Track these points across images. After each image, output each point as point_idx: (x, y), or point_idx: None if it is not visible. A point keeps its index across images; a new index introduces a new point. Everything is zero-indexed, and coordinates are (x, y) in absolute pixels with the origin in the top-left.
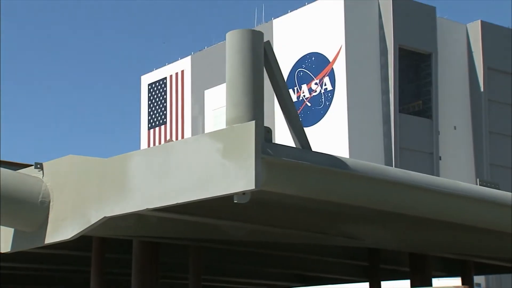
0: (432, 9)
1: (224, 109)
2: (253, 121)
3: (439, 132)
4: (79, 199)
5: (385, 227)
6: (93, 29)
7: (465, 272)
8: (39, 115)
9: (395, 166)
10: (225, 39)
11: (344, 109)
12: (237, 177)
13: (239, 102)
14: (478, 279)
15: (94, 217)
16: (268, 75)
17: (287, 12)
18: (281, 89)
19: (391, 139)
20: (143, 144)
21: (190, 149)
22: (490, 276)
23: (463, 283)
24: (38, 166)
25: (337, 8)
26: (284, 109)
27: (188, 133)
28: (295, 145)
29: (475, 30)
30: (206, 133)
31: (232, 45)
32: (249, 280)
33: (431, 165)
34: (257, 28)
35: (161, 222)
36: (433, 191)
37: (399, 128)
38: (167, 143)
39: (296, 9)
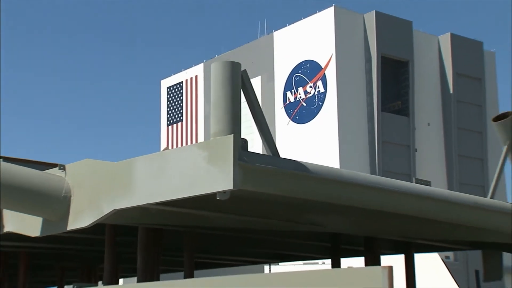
0: (409, 23)
1: None
2: (232, 135)
3: (415, 128)
4: (94, 194)
5: (342, 216)
6: (119, 38)
7: (407, 251)
8: (71, 113)
9: (377, 158)
10: (233, 48)
11: (335, 109)
12: (219, 179)
13: (221, 119)
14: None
15: (106, 209)
16: (245, 97)
17: (286, 26)
18: (255, 108)
19: (375, 134)
20: (163, 139)
21: (182, 156)
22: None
23: (406, 260)
24: (62, 167)
25: (328, 22)
26: (258, 124)
27: (201, 129)
28: (267, 153)
29: (445, 41)
30: (195, 144)
31: (215, 73)
32: (234, 258)
33: (408, 156)
34: (260, 39)
35: (160, 213)
36: (376, 188)
37: (381, 124)
38: (164, 151)
39: (294, 23)
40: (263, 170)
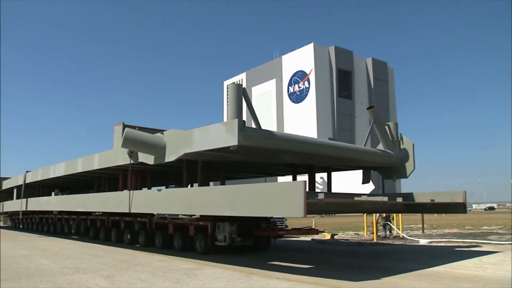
0: (351, 52)
1: (259, 96)
2: (237, 119)
3: (355, 106)
4: (176, 145)
5: (293, 155)
6: (206, 58)
7: (328, 171)
8: (174, 102)
9: (336, 124)
10: (262, 64)
11: (314, 96)
12: (231, 139)
13: (232, 111)
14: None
15: (181, 152)
16: (246, 102)
17: (288, 52)
18: (250, 107)
19: (335, 109)
20: (224, 114)
21: (215, 129)
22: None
23: (327, 176)
24: (162, 132)
25: (310, 51)
26: (251, 113)
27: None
28: (255, 126)
29: (369, 61)
30: (221, 122)
31: (230, 89)
32: (243, 174)
33: (352, 120)
34: (276, 59)
35: (207, 154)
36: (307, 142)
37: (338, 104)
38: (207, 126)
39: (292, 51)
40: (252, 134)
